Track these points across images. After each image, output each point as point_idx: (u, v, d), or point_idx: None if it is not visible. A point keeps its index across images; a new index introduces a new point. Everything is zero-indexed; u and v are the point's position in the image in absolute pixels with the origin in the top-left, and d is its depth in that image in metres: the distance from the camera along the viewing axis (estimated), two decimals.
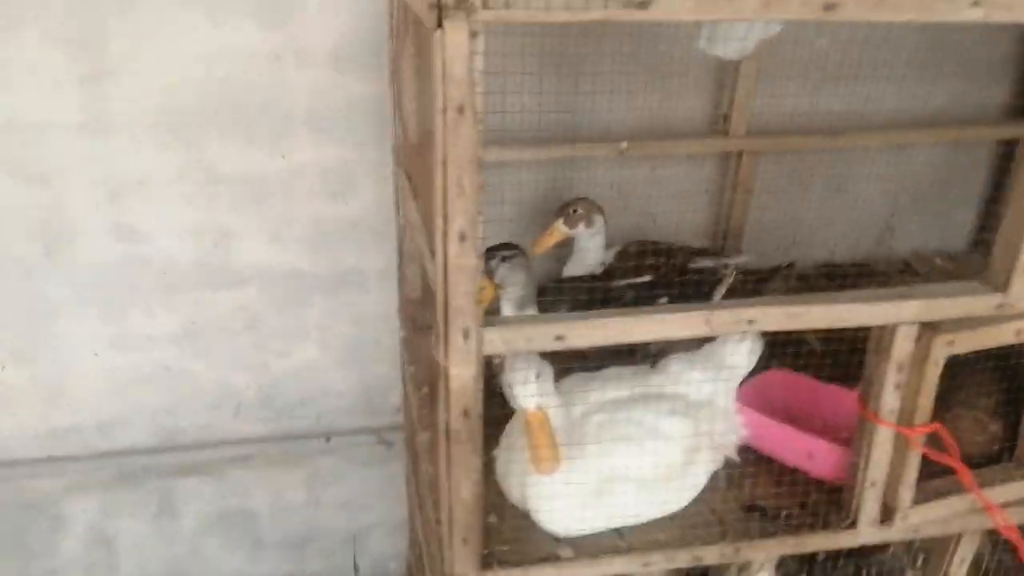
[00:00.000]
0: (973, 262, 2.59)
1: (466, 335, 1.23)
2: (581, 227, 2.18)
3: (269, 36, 2.08)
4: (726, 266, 2.12)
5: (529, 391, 1.44)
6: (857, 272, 2.50)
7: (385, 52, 2.05)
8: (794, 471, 1.67)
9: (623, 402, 1.62)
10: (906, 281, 2.31)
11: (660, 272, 2.12)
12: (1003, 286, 1.41)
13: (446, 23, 1.04)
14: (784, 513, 1.59)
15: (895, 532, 1.57)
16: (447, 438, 1.30)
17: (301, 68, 2.13)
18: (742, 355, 1.70)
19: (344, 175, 2.28)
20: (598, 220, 2.19)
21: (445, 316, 1.22)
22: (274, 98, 2.15)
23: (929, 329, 1.41)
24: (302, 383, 2.51)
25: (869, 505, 1.53)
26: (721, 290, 2.06)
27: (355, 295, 2.44)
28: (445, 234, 1.17)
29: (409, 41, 1.68)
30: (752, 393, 1.77)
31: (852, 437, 1.56)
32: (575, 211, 2.17)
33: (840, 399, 1.77)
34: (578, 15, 1.07)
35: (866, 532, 1.56)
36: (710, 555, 1.51)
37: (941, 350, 1.42)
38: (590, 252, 2.22)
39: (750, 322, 1.35)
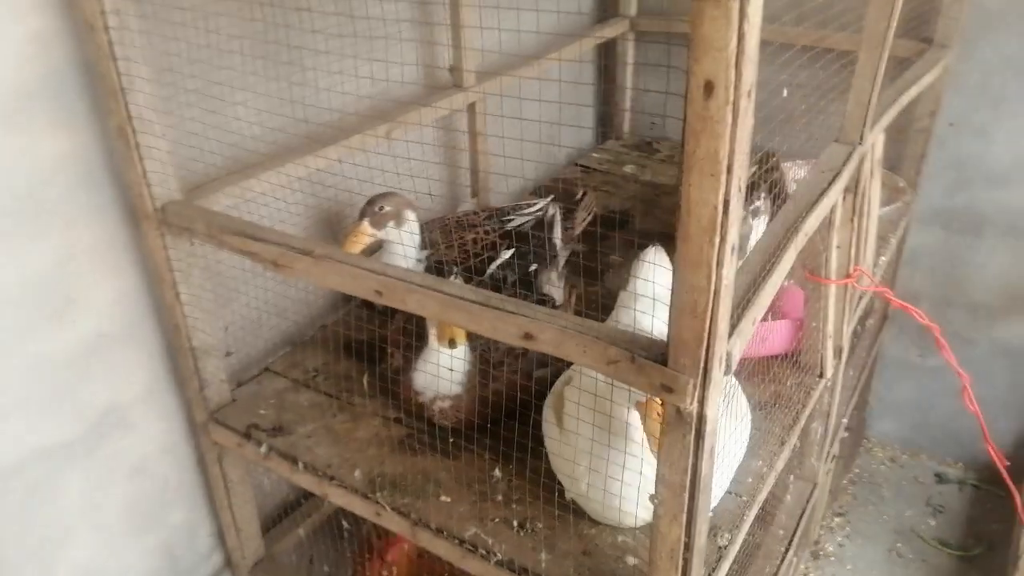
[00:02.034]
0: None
1: None
2: (390, 227, 1.86)
3: None
4: (543, 211, 2.05)
5: None
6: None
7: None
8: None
9: None
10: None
11: (496, 243, 1.96)
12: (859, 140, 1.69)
13: None
14: None
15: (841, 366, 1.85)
16: None
17: None
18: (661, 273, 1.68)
19: (58, 284, 1.50)
20: (410, 216, 1.89)
21: None
22: None
23: (849, 193, 1.64)
24: None
25: (829, 353, 1.76)
26: (557, 232, 2.00)
27: (121, 441, 1.68)
28: None
29: None
30: None
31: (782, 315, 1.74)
32: (381, 209, 1.83)
33: None
34: None
35: (829, 374, 1.79)
36: None
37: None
38: (402, 255, 1.92)
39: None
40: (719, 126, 0.83)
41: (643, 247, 1.56)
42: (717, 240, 0.89)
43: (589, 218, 2.09)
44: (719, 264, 0.90)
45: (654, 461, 1.25)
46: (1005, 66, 2.41)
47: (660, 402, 1.21)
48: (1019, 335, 2.74)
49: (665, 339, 1.02)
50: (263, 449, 1.63)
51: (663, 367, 1.01)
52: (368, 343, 1.85)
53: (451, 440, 1.61)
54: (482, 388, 1.61)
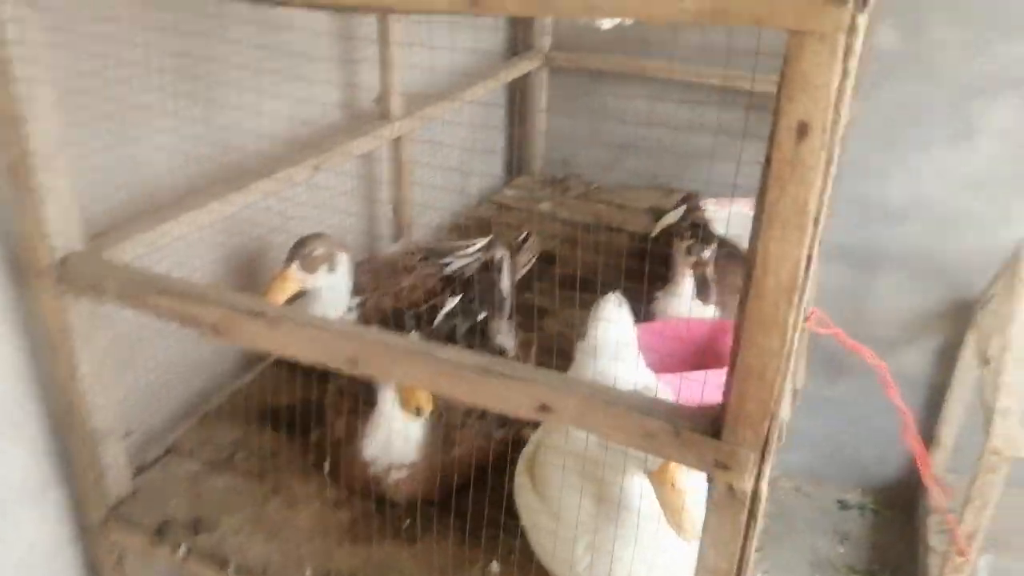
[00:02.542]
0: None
1: None
2: (322, 272, 1.66)
3: None
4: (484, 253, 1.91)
5: None
6: None
7: None
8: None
9: None
10: None
11: (433, 290, 1.79)
12: None
13: None
14: None
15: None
16: None
17: None
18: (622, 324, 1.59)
19: None
20: (342, 260, 1.70)
21: None
22: None
23: None
24: None
25: (787, 398, 1.72)
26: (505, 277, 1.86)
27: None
28: None
29: None
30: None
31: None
32: (312, 252, 1.64)
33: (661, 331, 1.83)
34: None
35: (787, 416, 1.75)
36: None
37: None
38: (332, 304, 1.72)
39: None
40: (811, 173, 0.73)
41: (584, 291, 1.45)
42: (796, 300, 0.79)
43: (533, 261, 1.97)
44: (794, 326, 0.80)
45: (675, 540, 1.14)
46: (900, 111, 2.54)
47: (677, 469, 1.10)
48: (914, 363, 2.87)
49: (710, 407, 0.91)
50: (181, 551, 1.37)
51: (716, 440, 0.89)
52: (293, 408, 1.62)
53: (409, 520, 1.42)
54: (442, 454, 1.43)
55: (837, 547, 2.98)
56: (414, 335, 1.44)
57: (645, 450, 0.95)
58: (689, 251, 1.74)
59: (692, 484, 1.13)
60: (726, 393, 0.88)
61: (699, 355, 1.82)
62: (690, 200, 2.24)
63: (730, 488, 0.91)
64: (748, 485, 0.90)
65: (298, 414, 1.60)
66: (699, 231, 1.74)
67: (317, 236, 1.66)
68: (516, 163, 2.88)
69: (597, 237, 2.36)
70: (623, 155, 2.78)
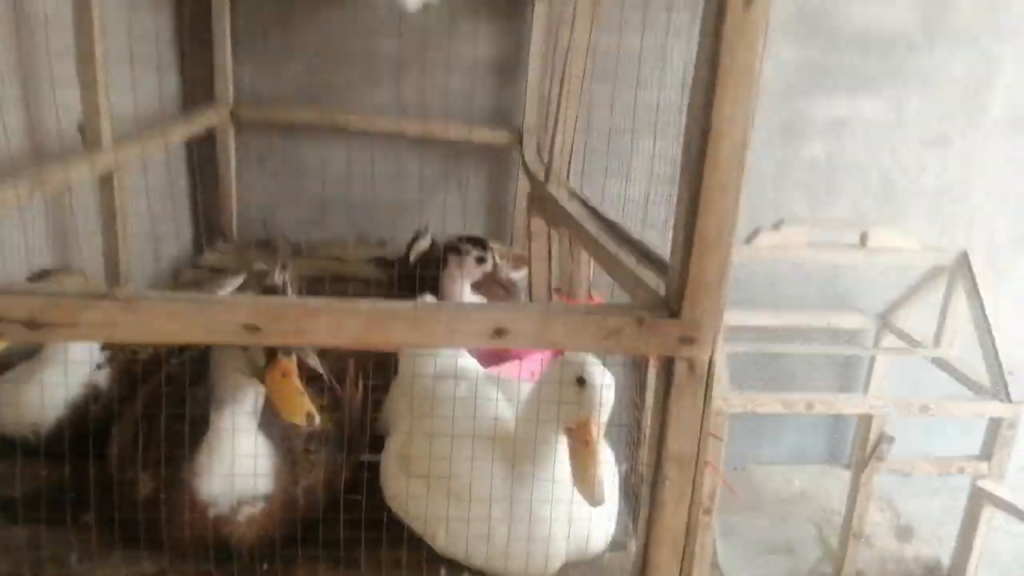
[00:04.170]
0: None
1: None
2: None
3: None
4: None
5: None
6: None
7: None
8: None
9: None
10: None
11: None
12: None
13: None
14: None
15: None
16: None
17: None
18: None
19: None
20: None
21: None
22: None
23: None
24: None
25: None
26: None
27: None
28: None
29: None
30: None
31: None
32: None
33: None
34: None
35: None
36: None
37: None
38: (72, 357, 1.39)
39: None
40: (755, 40, 0.85)
41: None
42: (745, 164, 0.89)
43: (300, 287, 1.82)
44: (741, 188, 0.90)
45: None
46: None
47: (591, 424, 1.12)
48: None
49: (660, 290, 0.96)
50: None
51: (677, 319, 0.94)
52: (37, 495, 1.25)
53: (265, 567, 1.17)
54: (293, 485, 1.22)
55: None
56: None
57: (609, 350, 0.95)
58: (480, 260, 1.79)
59: (605, 452, 1.16)
60: (681, 271, 0.93)
61: (488, 358, 1.86)
62: (422, 234, 2.29)
63: (691, 366, 0.96)
64: (707, 356, 0.95)
65: (45, 501, 1.22)
66: (476, 242, 1.80)
67: (63, 270, 1.33)
68: (207, 228, 2.63)
69: (334, 288, 2.25)
70: (326, 212, 2.72)
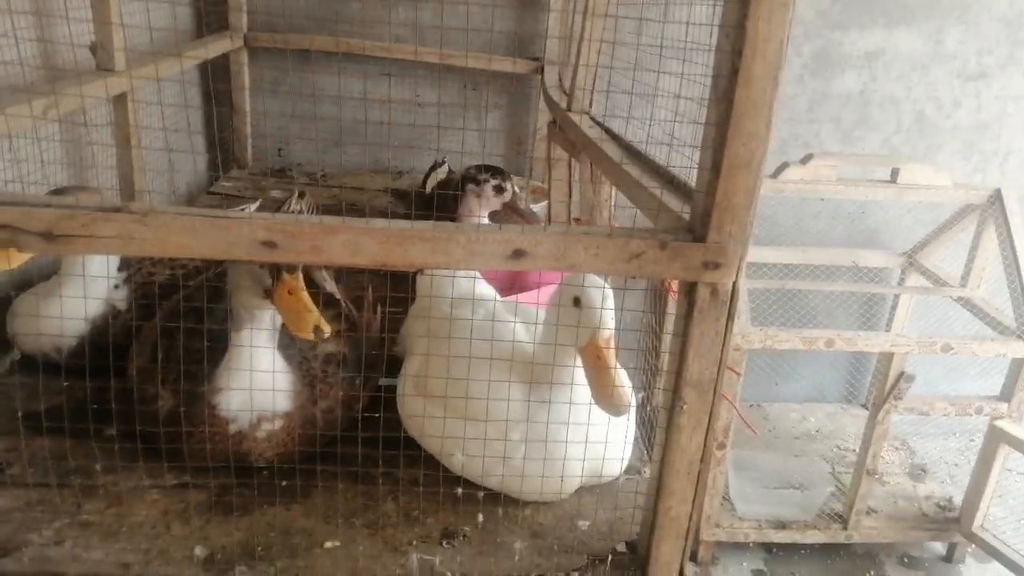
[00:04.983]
0: None
1: None
2: None
3: None
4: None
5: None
6: None
7: None
8: None
9: None
10: None
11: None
12: None
13: None
14: None
15: None
16: None
17: None
18: None
19: None
20: None
21: None
22: None
23: None
24: None
25: None
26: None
27: None
28: None
29: None
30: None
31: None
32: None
33: None
34: None
35: None
36: None
37: None
38: (91, 276, 1.40)
39: None
40: None
41: None
42: (779, 81, 0.85)
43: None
44: (773, 110, 0.87)
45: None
46: None
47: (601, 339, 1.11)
48: None
49: (684, 215, 0.94)
50: None
51: (703, 244, 0.91)
52: (60, 410, 1.27)
53: (284, 484, 1.19)
54: (312, 406, 1.23)
55: None
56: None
57: (630, 273, 0.93)
58: (499, 190, 1.76)
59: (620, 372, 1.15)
60: (708, 194, 0.90)
61: (506, 288, 1.84)
62: (438, 164, 2.26)
63: (713, 291, 0.94)
64: (730, 281, 0.93)
65: (68, 414, 1.24)
66: (495, 172, 1.77)
67: (81, 189, 1.33)
68: (224, 154, 2.61)
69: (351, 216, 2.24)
70: (342, 141, 2.69)
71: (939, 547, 2.63)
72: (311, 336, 1.08)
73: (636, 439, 1.31)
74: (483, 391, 1.14)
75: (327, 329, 1.08)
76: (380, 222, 0.91)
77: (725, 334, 0.96)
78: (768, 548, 2.58)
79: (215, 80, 2.52)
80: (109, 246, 0.87)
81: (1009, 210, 2.44)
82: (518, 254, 0.91)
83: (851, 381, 3.19)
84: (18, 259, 1.25)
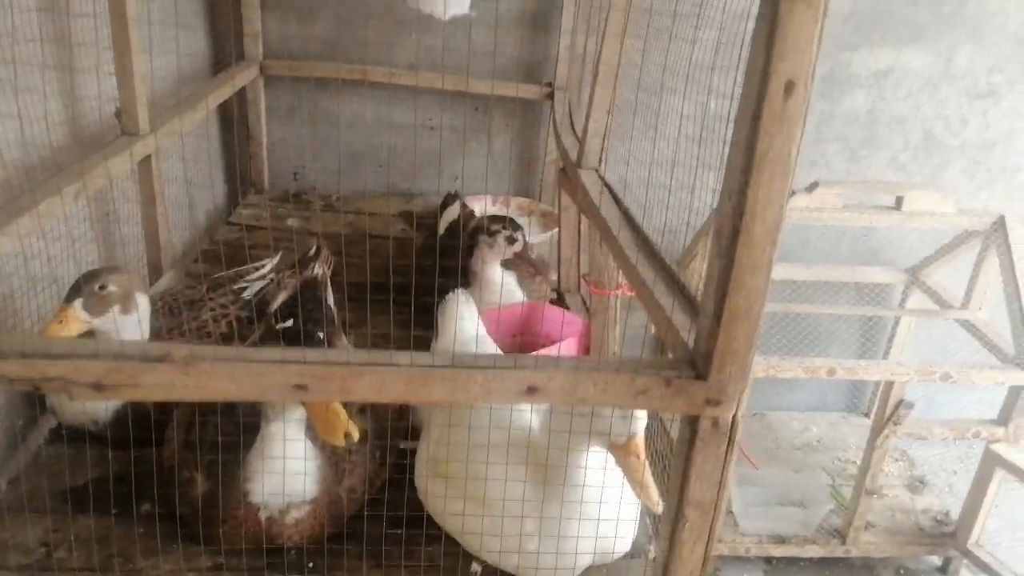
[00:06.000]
0: None
1: None
2: (114, 313, 1.40)
3: None
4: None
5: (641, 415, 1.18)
6: None
7: None
8: None
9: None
10: None
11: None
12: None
13: None
14: None
15: None
16: None
17: None
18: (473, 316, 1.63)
19: None
20: (141, 301, 1.45)
21: None
22: None
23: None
24: None
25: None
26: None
27: None
28: None
29: None
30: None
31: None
32: (103, 288, 1.38)
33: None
34: None
35: None
36: None
37: None
38: None
39: None
40: (795, 127, 0.85)
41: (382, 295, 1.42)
42: (777, 241, 0.90)
43: (330, 271, 1.86)
44: (771, 265, 0.92)
45: (613, 505, 1.20)
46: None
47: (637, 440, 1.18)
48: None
49: (689, 340, 1.00)
50: None
51: (704, 382, 0.98)
52: (104, 483, 1.35)
53: (311, 565, 1.28)
54: (337, 486, 1.31)
55: None
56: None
57: (637, 406, 1.00)
58: (511, 240, 1.82)
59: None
60: (709, 337, 0.96)
61: (518, 337, 1.91)
62: (451, 200, 2.31)
63: (715, 423, 1.00)
64: (730, 415, 1.00)
65: (109, 488, 1.32)
66: (507, 222, 1.82)
67: (111, 269, 1.39)
68: (242, 181, 2.66)
69: (363, 247, 2.30)
70: (355, 164, 2.73)
71: (935, 559, 2.73)
72: (342, 442, 1.15)
73: (642, 512, 1.39)
74: (495, 482, 1.22)
75: (356, 434, 1.15)
76: (403, 358, 0.97)
77: (725, 459, 1.03)
78: (768, 560, 2.69)
79: (231, 108, 2.56)
80: (154, 393, 0.94)
81: (1012, 239, 2.48)
82: (532, 390, 0.98)
83: (853, 391, 3.26)
84: (77, 327, 1.33)
